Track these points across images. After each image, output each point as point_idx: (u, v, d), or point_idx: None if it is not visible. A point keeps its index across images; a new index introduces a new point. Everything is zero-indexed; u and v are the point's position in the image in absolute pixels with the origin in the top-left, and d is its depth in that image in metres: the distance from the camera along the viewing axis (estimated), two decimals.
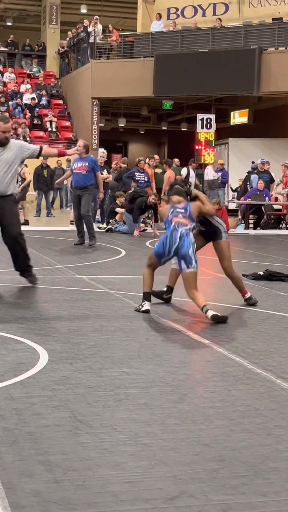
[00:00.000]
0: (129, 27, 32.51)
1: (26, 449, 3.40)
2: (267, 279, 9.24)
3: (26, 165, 17.33)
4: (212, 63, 23.56)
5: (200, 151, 19.62)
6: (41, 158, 21.39)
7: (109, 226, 16.32)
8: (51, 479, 3.08)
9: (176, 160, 21.69)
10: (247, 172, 20.50)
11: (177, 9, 27.66)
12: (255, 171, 20.04)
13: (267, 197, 18.79)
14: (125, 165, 20.03)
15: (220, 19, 25.41)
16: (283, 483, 3.12)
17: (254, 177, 19.80)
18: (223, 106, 29.18)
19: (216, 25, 25.02)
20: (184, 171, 20.90)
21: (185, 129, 31.27)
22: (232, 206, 22.07)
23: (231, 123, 28.19)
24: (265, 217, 19.14)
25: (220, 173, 20.75)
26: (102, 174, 18.04)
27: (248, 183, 19.95)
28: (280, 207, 19.88)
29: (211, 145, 19.75)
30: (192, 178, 19.68)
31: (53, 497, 2.90)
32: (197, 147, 19.75)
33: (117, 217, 16.52)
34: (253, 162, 21.09)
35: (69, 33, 30.79)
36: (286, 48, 23.68)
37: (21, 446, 3.43)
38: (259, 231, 18.21)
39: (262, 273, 9.37)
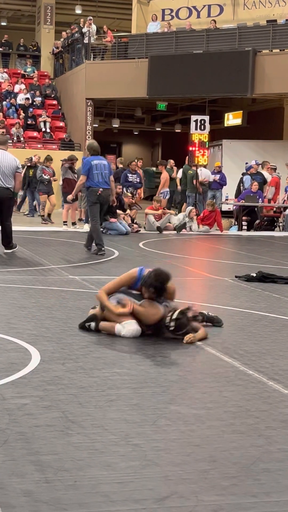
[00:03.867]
0: (123, 28, 32.50)
1: (17, 449, 3.40)
2: (260, 280, 9.25)
3: None
4: (206, 64, 23.57)
5: (194, 153, 19.57)
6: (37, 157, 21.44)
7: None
8: (42, 479, 3.08)
9: (171, 162, 21.71)
10: (242, 174, 20.50)
11: (171, 10, 27.65)
12: (248, 173, 20.05)
13: (260, 199, 18.80)
14: (121, 166, 20.07)
15: (214, 21, 25.41)
16: (274, 484, 3.12)
17: (246, 178, 19.81)
18: (217, 107, 29.21)
19: (211, 27, 25.03)
20: (180, 173, 20.93)
21: (179, 131, 31.29)
22: (225, 207, 22.07)
23: (225, 125, 28.21)
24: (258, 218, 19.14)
25: (218, 175, 20.75)
26: None
27: (241, 185, 19.96)
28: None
29: (205, 146, 19.67)
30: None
31: (44, 497, 2.90)
32: (191, 149, 19.71)
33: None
34: (247, 163, 21.09)
35: (64, 33, 30.73)
36: (280, 50, 23.70)
37: (12, 446, 3.43)
38: (252, 233, 18.23)
39: (255, 275, 9.39)
